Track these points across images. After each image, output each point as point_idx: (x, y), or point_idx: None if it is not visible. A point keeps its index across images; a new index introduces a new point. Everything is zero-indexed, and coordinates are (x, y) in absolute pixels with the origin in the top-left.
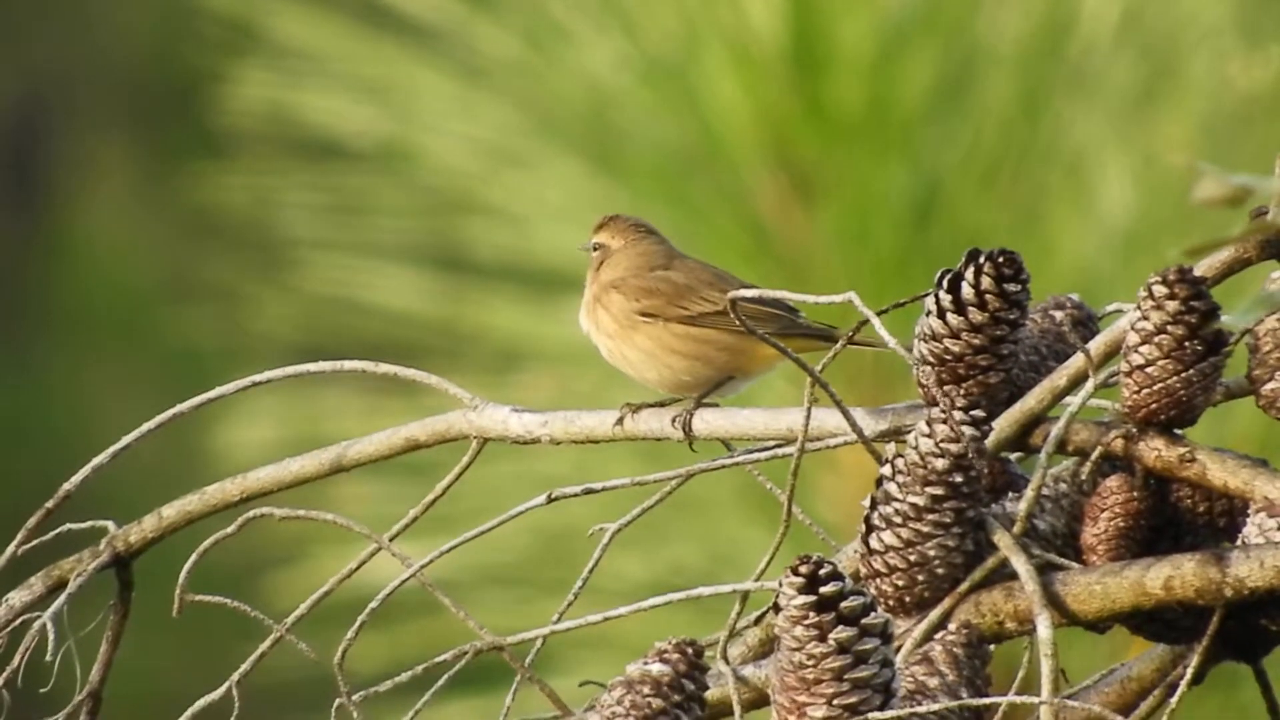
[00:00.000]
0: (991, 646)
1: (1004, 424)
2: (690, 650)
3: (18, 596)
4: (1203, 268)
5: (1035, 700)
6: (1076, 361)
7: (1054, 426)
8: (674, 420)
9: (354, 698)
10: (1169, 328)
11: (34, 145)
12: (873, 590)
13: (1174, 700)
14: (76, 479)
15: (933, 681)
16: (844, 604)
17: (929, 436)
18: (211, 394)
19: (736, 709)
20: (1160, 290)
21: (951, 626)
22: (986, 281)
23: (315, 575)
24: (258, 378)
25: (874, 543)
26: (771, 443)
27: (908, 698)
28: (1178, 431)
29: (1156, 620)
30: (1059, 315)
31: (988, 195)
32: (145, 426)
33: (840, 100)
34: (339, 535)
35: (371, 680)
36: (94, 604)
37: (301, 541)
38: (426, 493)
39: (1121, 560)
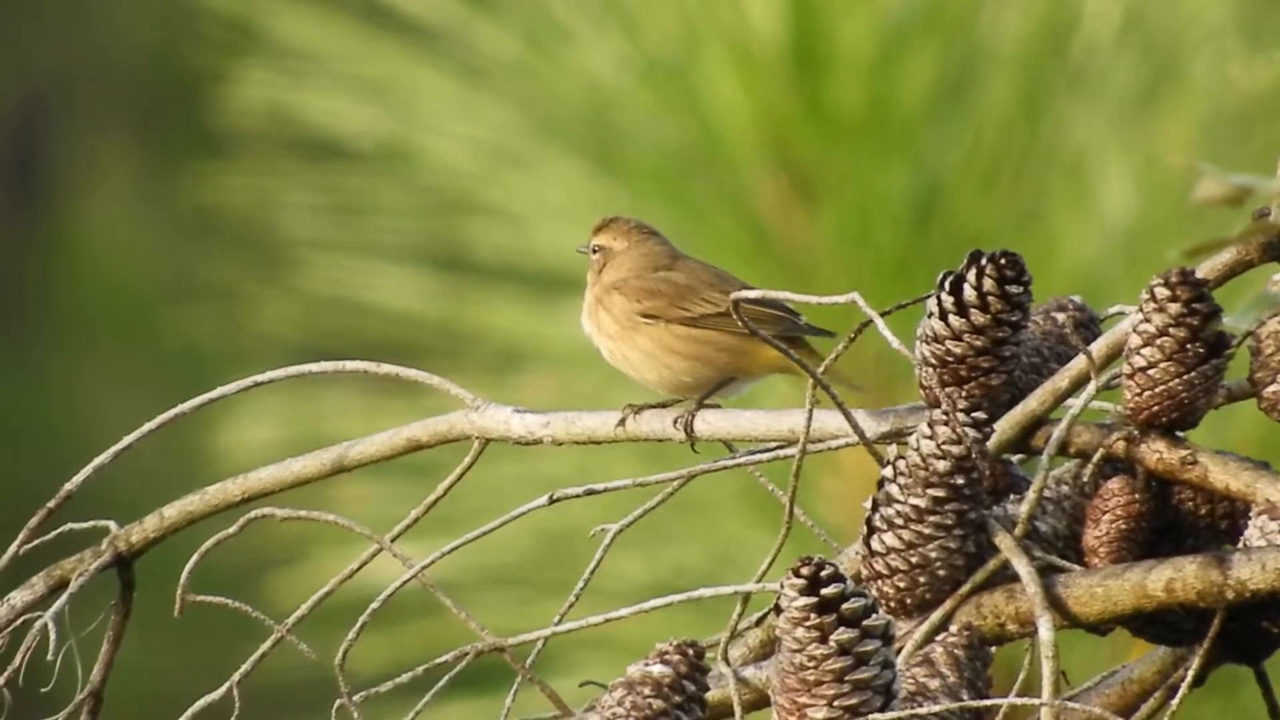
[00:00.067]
0: (993, 648)
1: (1006, 426)
2: (691, 651)
3: (19, 596)
4: (1204, 270)
5: (1036, 702)
6: (1078, 363)
7: (1056, 428)
8: (676, 421)
9: (355, 698)
10: (1171, 330)
11: (35, 145)
12: (874, 592)
13: (1175, 702)
14: (78, 479)
15: (934, 683)
16: (845, 606)
17: (931, 438)
18: (213, 394)
19: (737, 710)
20: (1162, 292)
21: (953, 628)
22: (988, 283)
23: (316, 576)
24: (259, 378)
25: (875, 544)
26: (773, 444)
27: (909, 699)
28: (1179, 434)
29: (1158, 622)
30: (1061, 317)
31: (989, 196)
32: (147, 426)
33: (841, 100)
34: (340, 536)
35: (372, 681)
36: (95, 604)
37: (303, 542)
38: (428, 493)
39: (1123, 562)
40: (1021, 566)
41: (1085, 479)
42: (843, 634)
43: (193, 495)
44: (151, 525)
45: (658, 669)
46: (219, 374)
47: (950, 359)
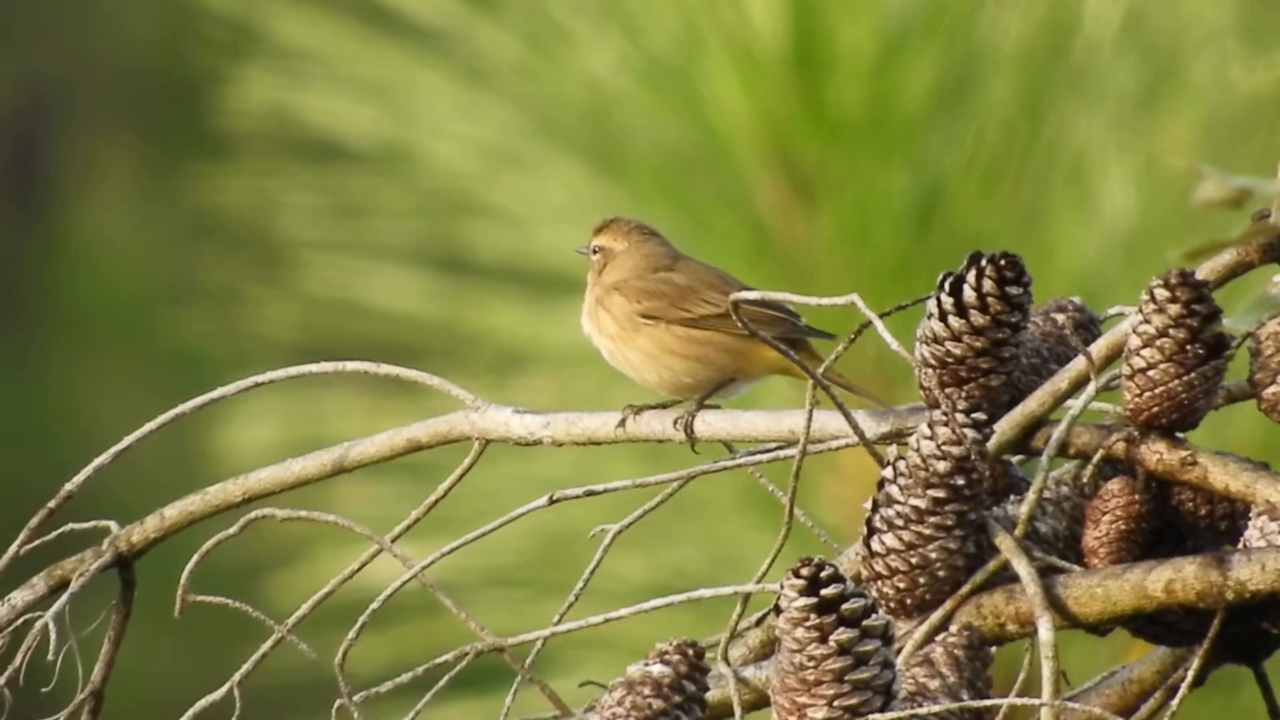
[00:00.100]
0: (993, 649)
1: (1005, 427)
2: (691, 651)
3: (20, 596)
4: (1204, 271)
5: (1036, 702)
6: (1078, 364)
7: (1056, 429)
8: (676, 422)
9: (355, 698)
10: (1171, 331)
11: (35, 146)
12: (874, 592)
13: (1175, 702)
14: (79, 479)
15: (934, 683)
16: (845, 606)
17: (931, 439)
18: (214, 394)
19: (737, 710)
20: (1162, 293)
21: (953, 628)
22: (988, 284)
23: (317, 576)
24: (259, 378)
25: (875, 545)
26: (773, 445)
27: (909, 699)
28: (1179, 435)
29: (1158, 623)
30: (1060, 318)
31: (989, 198)
32: (147, 427)
33: (841, 101)
34: (340, 536)
35: (372, 681)
36: (96, 604)
37: (303, 542)
38: (428, 494)
39: (1123, 563)
40: (1021, 567)
41: (1085, 480)
42: (842, 634)
43: (193, 496)
44: (152, 525)
45: (658, 669)
46: (219, 374)
47: (950, 360)
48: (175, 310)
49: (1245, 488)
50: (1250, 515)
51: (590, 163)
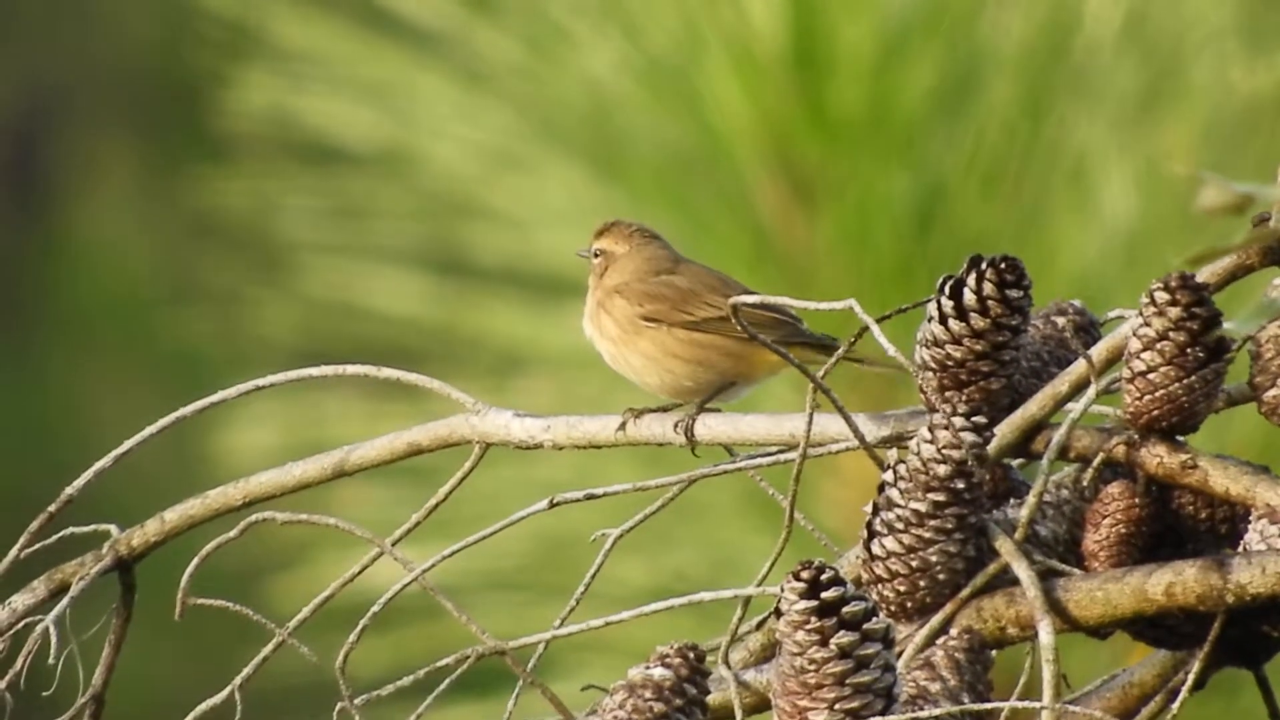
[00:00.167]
0: (993, 652)
1: (1006, 430)
2: (692, 655)
3: (20, 600)
4: (1205, 274)
5: (1037, 705)
6: (1078, 368)
7: (1056, 433)
8: (676, 425)
9: (356, 702)
10: (1171, 334)
11: (35, 145)
12: (874, 595)
13: (1175, 706)
14: (79, 483)
15: (934, 686)
16: (846, 609)
17: (931, 442)
18: (214, 398)
19: (738, 713)
20: (1162, 296)
21: (953, 632)
22: (988, 287)
23: (317, 579)
24: (260, 381)
25: (876, 548)
26: (774, 448)
27: (909, 702)
28: (1179, 438)
29: (1158, 626)
30: (1061, 321)
31: (990, 200)
32: (148, 430)
33: (842, 103)
34: (341, 540)
35: (373, 684)
36: (97, 607)
37: (303, 546)
38: (428, 497)
39: (1123, 566)
40: (1022, 570)
41: (1085, 483)
42: (843, 637)
43: (194, 499)
44: (152, 529)
45: (659, 672)
46: (219, 377)
47: (950, 363)
48: (175, 311)
49: (1245, 491)
50: (1250, 518)
51: (590, 165)
